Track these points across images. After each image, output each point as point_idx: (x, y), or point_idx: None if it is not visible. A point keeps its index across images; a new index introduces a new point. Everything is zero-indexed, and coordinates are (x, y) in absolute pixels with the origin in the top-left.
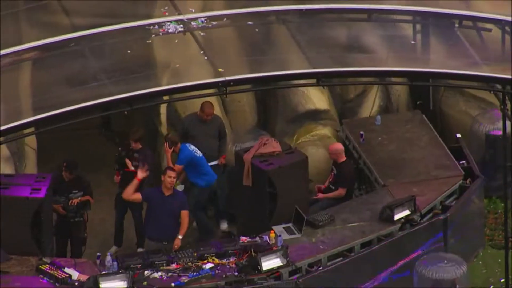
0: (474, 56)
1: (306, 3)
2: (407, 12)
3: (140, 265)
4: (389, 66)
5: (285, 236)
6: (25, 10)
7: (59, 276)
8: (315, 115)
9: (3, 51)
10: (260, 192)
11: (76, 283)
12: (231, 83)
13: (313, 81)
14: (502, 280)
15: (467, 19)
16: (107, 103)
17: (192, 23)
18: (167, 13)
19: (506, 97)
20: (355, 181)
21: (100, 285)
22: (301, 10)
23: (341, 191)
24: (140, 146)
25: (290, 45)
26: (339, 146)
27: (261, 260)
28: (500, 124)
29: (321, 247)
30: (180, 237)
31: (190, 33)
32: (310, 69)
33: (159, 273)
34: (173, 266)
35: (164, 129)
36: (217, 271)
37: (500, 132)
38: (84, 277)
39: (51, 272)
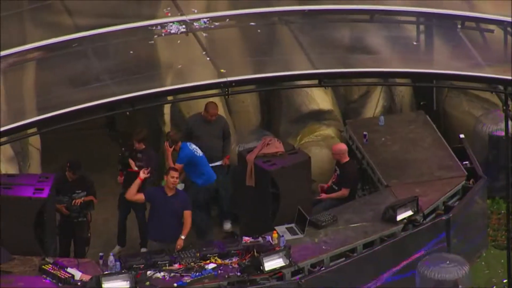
0: (477, 57)
1: (308, 4)
2: (411, 13)
3: (142, 265)
4: (393, 67)
5: (288, 236)
6: (29, 10)
7: (62, 276)
8: (318, 116)
9: (8, 51)
10: (263, 192)
11: (79, 283)
12: (233, 84)
13: (315, 82)
14: (505, 281)
15: (470, 20)
16: (111, 103)
17: (195, 23)
18: (169, 14)
19: (509, 98)
20: (359, 181)
21: (103, 285)
22: (303, 11)
23: (344, 192)
24: (144, 147)
25: (293, 46)
26: (343, 147)
27: (264, 261)
28: (503, 124)
29: (323, 247)
30: (182, 237)
31: (193, 33)
32: (313, 70)
33: (162, 273)
34: (176, 266)
35: (168, 129)
36: (219, 271)
37: (503, 133)
38: (86, 277)
39: (54, 272)
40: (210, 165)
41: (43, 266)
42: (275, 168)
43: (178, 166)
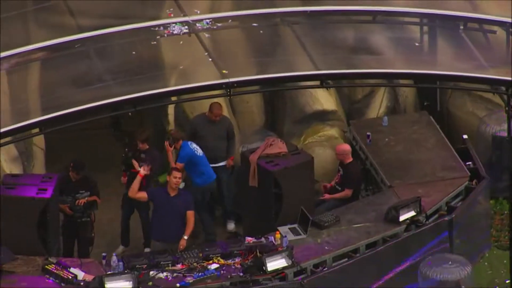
0: (479, 58)
1: (311, 5)
2: (414, 14)
3: (145, 266)
4: (396, 68)
5: (291, 236)
6: (33, 10)
7: (65, 276)
8: (322, 116)
9: (12, 51)
10: (266, 193)
11: (82, 283)
12: (235, 85)
13: (317, 82)
14: (508, 281)
15: (473, 21)
16: (115, 103)
17: (197, 24)
18: (172, 15)
19: (511, 99)
20: (362, 182)
21: (106, 285)
22: (306, 11)
23: (347, 192)
24: (147, 147)
25: (295, 46)
26: (346, 147)
27: (266, 261)
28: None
29: (326, 248)
30: (185, 237)
31: (195, 34)
32: (315, 71)
33: (165, 274)
34: (179, 266)
35: None
36: (222, 271)
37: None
38: (89, 277)
39: (57, 272)
40: (215, 165)
41: (46, 266)
42: (278, 168)
43: (179, 165)
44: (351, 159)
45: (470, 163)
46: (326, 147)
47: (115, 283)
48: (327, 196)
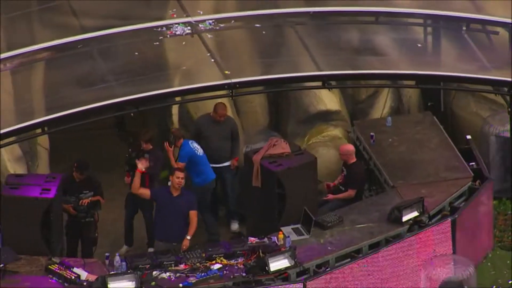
0: (482, 59)
1: (315, 6)
2: (418, 15)
3: (148, 266)
4: (400, 69)
5: (294, 237)
6: (37, 11)
7: (68, 276)
8: (326, 116)
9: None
10: (269, 193)
11: (85, 283)
12: (237, 85)
13: (319, 83)
14: (511, 282)
15: (476, 22)
16: (118, 104)
17: (200, 25)
18: (175, 15)
19: None
20: (365, 182)
21: (109, 285)
22: (309, 12)
23: (351, 192)
24: (151, 147)
25: (299, 47)
26: (350, 147)
27: (269, 261)
28: None
29: (329, 248)
30: (188, 237)
31: (198, 35)
32: (318, 72)
33: (168, 274)
34: (181, 266)
35: None
36: (225, 271)
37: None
38: (92, 277)
39: (60, 272)
40: (219, 165)
41: (49, 266)
42: (281, 169)
43: (180, 164)
44: (354, 160)
45: (473, 163)
46: (330, 147)
47: (118, 283)
48: (330, 196)
